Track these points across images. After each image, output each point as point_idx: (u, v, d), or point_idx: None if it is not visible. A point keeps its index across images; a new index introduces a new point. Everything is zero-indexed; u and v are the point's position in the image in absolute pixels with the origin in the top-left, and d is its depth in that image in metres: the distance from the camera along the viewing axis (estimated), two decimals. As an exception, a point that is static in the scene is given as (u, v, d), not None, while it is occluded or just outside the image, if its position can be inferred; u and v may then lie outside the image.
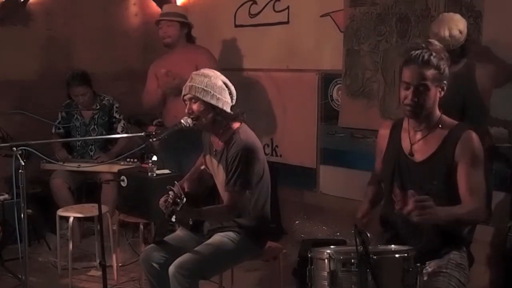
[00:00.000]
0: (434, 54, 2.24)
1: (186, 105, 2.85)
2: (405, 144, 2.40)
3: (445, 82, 2.29)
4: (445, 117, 2.36)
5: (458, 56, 3.15)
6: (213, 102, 2.78)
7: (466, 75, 3.16)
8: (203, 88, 2.77)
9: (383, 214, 2.52)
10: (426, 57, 2.23)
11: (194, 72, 2.88)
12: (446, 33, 3.10)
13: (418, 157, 2.35)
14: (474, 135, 2.28)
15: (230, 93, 2.86)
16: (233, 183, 2.78)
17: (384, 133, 2.54)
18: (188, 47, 4.29)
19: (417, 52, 2.25)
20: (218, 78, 2.84)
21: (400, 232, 2.38)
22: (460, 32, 3.12)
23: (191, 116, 2.81)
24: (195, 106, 2.80)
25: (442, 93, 2.31)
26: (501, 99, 3.45)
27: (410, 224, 2.18)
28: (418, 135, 2.37)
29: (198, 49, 4.32)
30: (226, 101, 2.82)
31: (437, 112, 2.35)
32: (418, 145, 2.36)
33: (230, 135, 2.86)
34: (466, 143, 2.26)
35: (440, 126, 2.33)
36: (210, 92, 2.78)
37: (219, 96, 2.80)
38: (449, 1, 3.66)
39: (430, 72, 2.24)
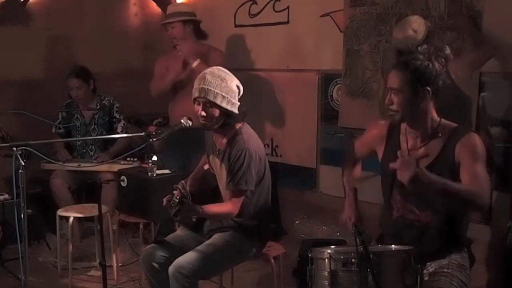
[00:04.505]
0: (418, 57, 2.23)
1: (198, 105, 2.79)
2: (404, 149, 2.38)
3: (428, 88, 2.24)
4: (444, 122, 2.34)
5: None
6: (229, 107, 2.77)
7: None
8: (220, 94, 2.73)
9: (382, 219, 2.51)
10: (405, 61, 2.24)
11: (207, 72, 2.79)
12: (401, 35, 3.19)
13: (420, 163, 2.29)
14: (474, 136, 2.26)
15: (239, 94, 2.85)
16: (235, 182, 2.78)
17: (379, 133, 2.50)
18: (197, 47, 4.21)
19: (402, 57, 2.27)
20: (233, 82, 2.80)
21: (401, 235, 2.36)
22: (415, 31, 3.17)
23: (204, 120, 2.79)
24: (210, 111, 2.76)
25: (429, 96, 2.26)
26: (501, 99, 3.45)
27: (410, 228, 2.17)
28: (418, 142, 2.35)
29: (209, 49, 4.25)
30: (237, 104, 2.82)
31: (434, 118, 2.32)
32: (419, 150, 2.32)
33: (232, 135, 2.86)
34: (465, 142, 2.24)
35: (440, 134, 2.30)
36: (227, 97, 2.75)
37: (234, 101, 2.79)
38: (449, 1, 3.66)
39: (403, 76, 2.24)
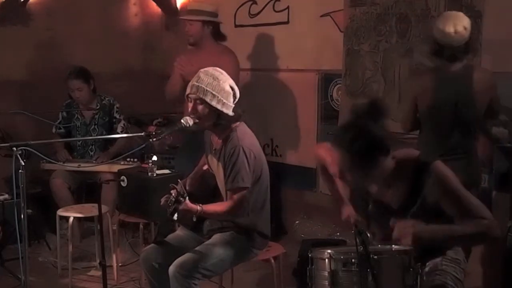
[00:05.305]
0: (357, 135, 2.06)
1: (189, 102, 2.82)
2: (373, 193, 2.28)
3: (380, 158, 2.08)
4: (400, 155, 2.17)
5: (462, 52, 3.13)
6: (219, 107, 2.76)
7: (463, 77, 3.15)
8: (211, 92, 2.74)
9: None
10: (349, 143, 2.07)
11: (202, 70, 2.82)
12: (451, 29, 3.07)
13: (394, 204, 2.25)
14: (440, 168, 2.16)
15: (234, 95, 2.84)
16: (232, 180, 2.78)
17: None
18: (213, 48, 4.12)
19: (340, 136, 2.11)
20: (226, 82, 2.80)
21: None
22: (465, 28, 3.08)
23: (194, 117, 2.80)
24: (200, 108, 2.77)
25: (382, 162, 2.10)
26: (501, 98, 3.45)
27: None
28: (382, 187, 2.23)
29: (224, 51, 4.14)
30: (230, 105, 2.81)
31: (388, 164, 2.12)
32: (387, 194, 2.25)
33: (227, 133, 2.86)
34: (439, 182, 2.14)
35: (399, 171, 2.16)
36: (217, 96, 2.75)
37: (225, 101, 2.78)
38: (449, 1, 3.67)
39: (349, 158, 2.08)
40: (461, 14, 3.18)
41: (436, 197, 2.15)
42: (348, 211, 2.58)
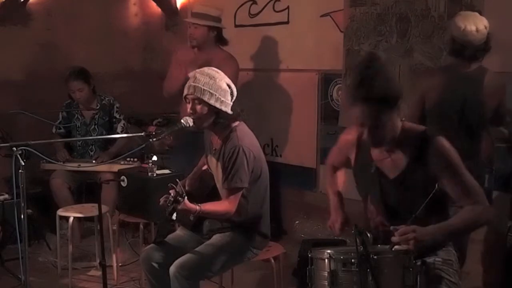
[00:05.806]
0: (373, 84, 2.06)
1: (187, 103, 2.83)
2: (374, 158, 2.31)
3: (390, 107, 2.12)
4: (408, 127, 2.23)
5: (482, 51, 3.11)
6: (217, 105, 2.77)
7: (476, 78, 3.13)
8: (208, 91, 2.74)
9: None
10: (367, 94, 2.07)
11: (198, 71, 2.83)
12: (473, 28, 3.05)
13: (390, 174, 2.26)
14: (443, 142, 2.18)
15: (231, 93, 2.85)
16: (229, 180, 2.78)
17: (349, 139, 2.42)
18: (216, 53, 4.08)
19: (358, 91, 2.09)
20: (223, 80, 2.82)
21: (382, 240, 2.31)
22: (485, 27, 3.07)
23: (193, 117, 2.80)
24: (198, 108, 2.78)
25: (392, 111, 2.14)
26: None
27: (387, 234, 2.15)
28: (384, 153, 2.27)
29: (226, 57, 4.09)
30: (228, 103, 2.82)
31: (397, 125, 2.20)
32: (387, 161, 2.27)
33: (227, 133, 2.86)
34: (440, 155, 2.16)
35: (404, 139, 2.21)
36: (215, 95, 2.76)
37: (223, 99, 2.79)
38: (449, 1, 3.67)
39: (374, 110, 2.09)
40: (476, 13, 3.17)
41: (430, 176, 2.16)
42: (333, 217, 2.55)
